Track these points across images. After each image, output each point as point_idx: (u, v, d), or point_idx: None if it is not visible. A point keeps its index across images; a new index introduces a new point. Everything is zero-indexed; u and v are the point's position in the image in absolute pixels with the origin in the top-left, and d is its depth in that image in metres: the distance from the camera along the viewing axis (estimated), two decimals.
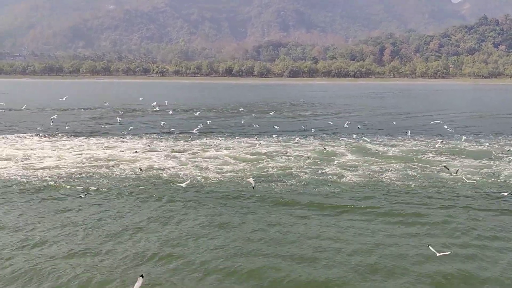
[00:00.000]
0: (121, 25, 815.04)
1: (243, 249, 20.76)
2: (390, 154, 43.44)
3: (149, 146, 46.14)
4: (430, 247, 19.39)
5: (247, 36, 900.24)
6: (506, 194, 28.57)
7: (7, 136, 53.64)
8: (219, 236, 22.37)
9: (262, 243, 21.51)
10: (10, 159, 39.74)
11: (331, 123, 67.37)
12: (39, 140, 50.24)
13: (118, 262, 19.51)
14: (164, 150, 44.26)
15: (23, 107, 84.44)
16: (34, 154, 41.88)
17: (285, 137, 53.13)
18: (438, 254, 18.63)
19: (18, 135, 54.28)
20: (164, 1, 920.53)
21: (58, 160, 38.45)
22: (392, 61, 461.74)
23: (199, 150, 44.66)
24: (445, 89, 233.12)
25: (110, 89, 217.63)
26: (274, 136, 53.48)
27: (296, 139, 49.70)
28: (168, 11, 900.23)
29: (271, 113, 79.42)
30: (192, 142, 49.47)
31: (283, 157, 41.28)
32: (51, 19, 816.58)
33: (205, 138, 52.10)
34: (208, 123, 60.18)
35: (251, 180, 26.40)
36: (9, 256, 20.00)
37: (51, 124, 58.41)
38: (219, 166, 37.41)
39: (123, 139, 51.42)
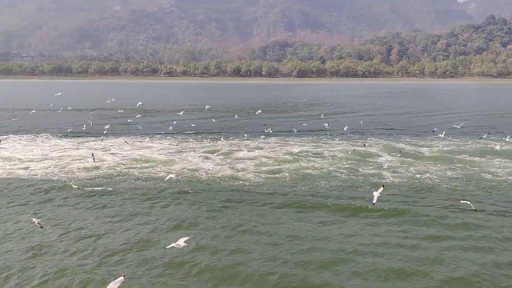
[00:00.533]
0: (128, 26, 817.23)
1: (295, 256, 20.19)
2: (426, 154, 42.95)
3: (177, 145, 45.96)
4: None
5: (252, 36, 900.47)
6: None
7: (39, 135, 54.04)
8: (262, 240, 21.92)
9: (306, 248, 20.84)
10: (48, 159, 39.73)
11: (361, 122, 66.61)
12: (70, 141, 50.09)
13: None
14: (195, 151, 44.02)
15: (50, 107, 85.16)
16: (69, 154, 41.79)
17: (313, 137, 52.74)
18: None
19: (47, 135, 54.41)
20: (170, 2, 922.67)
21: (96, 161, 38.18)
22: (399, 60, 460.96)
23: (232, 150, 44.38)
24: (457, 89, 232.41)
25: (123, 89, 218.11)
26: (301, 136, 52.96)
27: (324, 138, 49.43)
28: (174, 11, 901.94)
29: (292, 113, 79.21)
30: (220, 142, 49.11)
31: (318, 158, 40.93)
32: (58, 20, 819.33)
33: (232, 138, 51.82)
34: (231, 123, 59.87)
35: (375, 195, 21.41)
36: (64, 248, 20.53)
37: (86, 125, 57.47)
38: (257, 167, 37.10)
39: (151, 140, 51.18)
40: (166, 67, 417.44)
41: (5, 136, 52.29)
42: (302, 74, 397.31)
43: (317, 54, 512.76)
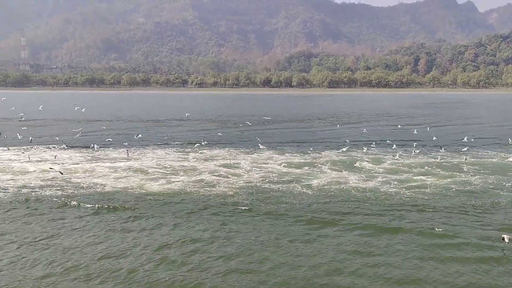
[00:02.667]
0: (152, 38, 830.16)
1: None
2: None
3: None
4: None
5: (273, 47, 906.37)
6: None
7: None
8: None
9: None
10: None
11: (463, 133, 65.57)
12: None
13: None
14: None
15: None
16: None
17: (401, 148, 50.39)
18: None
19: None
20: (193, 14, 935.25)
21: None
22: (426, 71, 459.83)
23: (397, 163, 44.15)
24: (502, 99, 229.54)
25: (168, 100, 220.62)
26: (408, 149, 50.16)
27: (414, 151, 47.71)
28: (197, 23, 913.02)
29: (360, 123, 79.00)
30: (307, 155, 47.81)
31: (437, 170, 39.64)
32: (84, 32, 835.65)
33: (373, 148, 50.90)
34: (331, 132, 59.56)
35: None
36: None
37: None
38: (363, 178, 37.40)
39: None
40: (196, 78, 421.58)
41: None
42: (333, 84, 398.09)
43: (343, 64, 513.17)
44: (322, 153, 48.47)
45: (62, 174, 35.57)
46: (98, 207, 28.14)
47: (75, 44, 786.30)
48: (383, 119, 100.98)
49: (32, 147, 51.97)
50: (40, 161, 43.69)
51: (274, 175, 37.30)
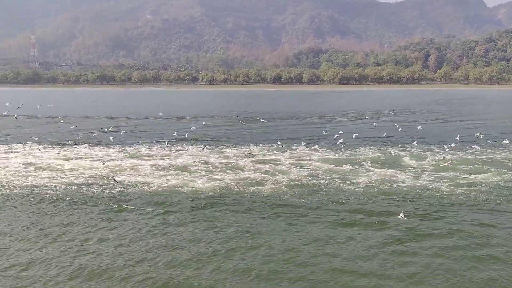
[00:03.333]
0: (160, 35, 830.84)
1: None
2: None
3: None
4: None
5: (281, 43, 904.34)
6: None
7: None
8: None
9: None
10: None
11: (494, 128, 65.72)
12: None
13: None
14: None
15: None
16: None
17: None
18: None
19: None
20: (200, 10, 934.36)
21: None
22: (437, 66, 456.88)
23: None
24: None
25: (185, 96, 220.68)
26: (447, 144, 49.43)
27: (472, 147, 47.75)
28: (205, 20, 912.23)
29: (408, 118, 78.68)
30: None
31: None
32: (92, 29, 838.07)
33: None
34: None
35: None
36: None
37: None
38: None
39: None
40: (206, 75, 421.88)
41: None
42: (343, 80, 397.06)
43: (352, 60, 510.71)
44: (357, 150, 48.36)
45: (115, 180, 35.41)
46: (150, 207, 28.12)
47: (83, 41, 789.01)
48: (409, 114, 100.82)
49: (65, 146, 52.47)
50: (78, 158, 44.15)
51: (319, 172, 37.47)
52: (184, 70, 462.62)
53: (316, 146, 47.91)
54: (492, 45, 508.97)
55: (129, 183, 33.83)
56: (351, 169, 38.47)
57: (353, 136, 52.86)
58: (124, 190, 31.86)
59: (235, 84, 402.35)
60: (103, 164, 36.54)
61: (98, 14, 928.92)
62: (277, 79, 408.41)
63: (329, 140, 55.40)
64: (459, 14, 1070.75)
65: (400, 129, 59.75)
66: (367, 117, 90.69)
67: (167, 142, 52.98)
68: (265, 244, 22.01)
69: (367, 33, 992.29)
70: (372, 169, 38.87)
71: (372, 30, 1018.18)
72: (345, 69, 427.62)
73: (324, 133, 58.80)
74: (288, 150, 48.57)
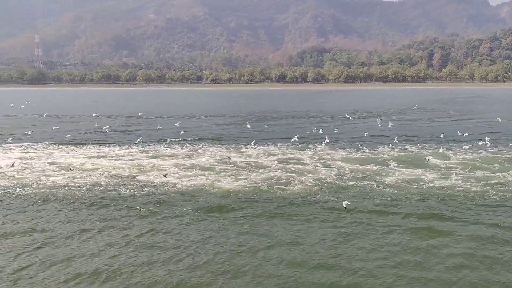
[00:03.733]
0: (163, 34, 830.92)
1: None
2: None
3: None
4: None
5: (284, 42, 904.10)
6: None
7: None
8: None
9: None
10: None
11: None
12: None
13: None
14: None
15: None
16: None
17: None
18: None
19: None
20: (203, 10, 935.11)
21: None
22: (441, 65, 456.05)
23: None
24: None
25: (196, 96, 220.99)
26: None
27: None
28: (208, 19, 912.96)
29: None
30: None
31: None
32: (95, 29, 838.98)
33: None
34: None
35: None
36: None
37: None
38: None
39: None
40: (211, 74, 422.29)
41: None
42: (348, 79, 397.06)
43: (356, 59, 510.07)
44: (377, 149, 48.49)
45: (165, 176, 35.32)
46: (180, 208, 27.89)
47: (87, 41, 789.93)
48: (423, 113, 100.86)
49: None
50: (100, 157, 44.25)
51: (346, 172, 37.50)
52: (188, 70, 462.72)
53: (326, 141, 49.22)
54: (496, 44, 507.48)
55: (156, 183, 33.84)
56: (377, 169, 38.52)
57: (365, 135, 53.54)
58: (152, 191, 31.74)
59: (239, 83, 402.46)
60: (165, 176, 35.81)
61: (100, 13, 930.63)
62: (282, 78, 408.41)
63: (344, 139, 55.90)
64: (462, 12, 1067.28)
65: (416, 128, 60.05)
66: (379, 115, 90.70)
67: (175, 140, 53.24)
68: (310, 249, 21.82)
69: (370, 32, 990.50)
70: (398, 168, 38.86)
71: (375, 29, 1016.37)
72: (349, 68, 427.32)
73: (335, 131, 59.15)
74: (307, 149, 48.59)
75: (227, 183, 33.92)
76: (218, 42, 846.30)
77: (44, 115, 78.88)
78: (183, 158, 43.66)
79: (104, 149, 49.66)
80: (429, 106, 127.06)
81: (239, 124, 75.95)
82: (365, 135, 54.59)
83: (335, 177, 35.54)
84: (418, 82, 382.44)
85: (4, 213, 27.16)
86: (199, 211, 27.42)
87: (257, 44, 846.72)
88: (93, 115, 78.99)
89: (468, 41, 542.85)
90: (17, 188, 32.29)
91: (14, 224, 25.28)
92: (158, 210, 27.61)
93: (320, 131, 56.60)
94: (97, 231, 24.00)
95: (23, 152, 47.57)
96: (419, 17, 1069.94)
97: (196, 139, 57.58)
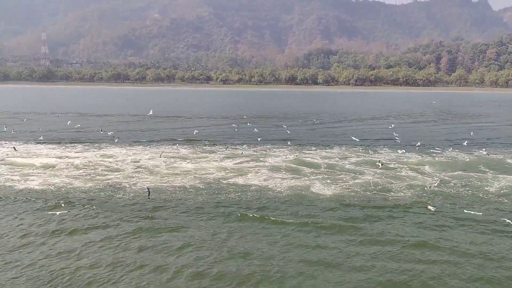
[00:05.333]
0: (168, 34, 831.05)
1: None
2: None
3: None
4: None
5: (288, 43, 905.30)
6: None
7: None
8: None
9: None
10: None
11: None
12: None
13: None
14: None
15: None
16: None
17: None
18: None
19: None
20: (208, 10, 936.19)
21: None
22: (449, 69, 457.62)
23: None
24: None
25: (216, 96, 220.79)
26: None
27: None
28: (212, 19, 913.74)
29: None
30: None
31: None
32: (100, 28, 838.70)
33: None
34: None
35: None
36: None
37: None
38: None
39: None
40: (221, 74, 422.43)
41: None
42: (359, 82, 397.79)
43: (363, 62, 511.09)
44: (430, 152, 48.31)
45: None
46: (284, 214, 27.12)
47: (92, 40, 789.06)
48: (458, 118, 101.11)
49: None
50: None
51: (447, 179, 36.85)
52: (195, 70, 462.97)
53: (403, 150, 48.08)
54: (503, 49, 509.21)
55: (251, 186, 33.55)
56: (478, 175, 38.28)
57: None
58: (249, 195, 31.21)
59: (249, 84, 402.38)
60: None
61: (106, 13, 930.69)
62: (292, 80, 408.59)
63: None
64: (465, 16, 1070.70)
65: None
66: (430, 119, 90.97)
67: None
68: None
69: (375, 34, 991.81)
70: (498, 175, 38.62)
71: (379, 31, 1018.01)
72: (358, 70, 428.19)
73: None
74: (375, 152, 48.22)
75: (323, 187, 33.37)
76: (222, 43, 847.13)
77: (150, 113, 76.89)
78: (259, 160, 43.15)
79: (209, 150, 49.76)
80: (454, 110, 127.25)
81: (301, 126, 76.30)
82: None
83: (439, 184, 34.44)
84: (428, 86, 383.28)
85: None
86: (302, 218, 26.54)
87: (261, 45, 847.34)
88: (149, 113, 77.08)
89: (474, 45, 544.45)
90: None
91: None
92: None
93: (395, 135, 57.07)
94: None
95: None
96: (423, 20, 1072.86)
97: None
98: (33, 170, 38.20)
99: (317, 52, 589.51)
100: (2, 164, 40.48)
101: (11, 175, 36.06)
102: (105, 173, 37.23)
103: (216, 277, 19.02)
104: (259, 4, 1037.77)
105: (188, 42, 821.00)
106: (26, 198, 29.57)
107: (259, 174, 37.43)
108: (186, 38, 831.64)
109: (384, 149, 50.84)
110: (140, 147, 51.24)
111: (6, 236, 23.39)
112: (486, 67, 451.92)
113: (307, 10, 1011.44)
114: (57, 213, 25.96)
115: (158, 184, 33.75)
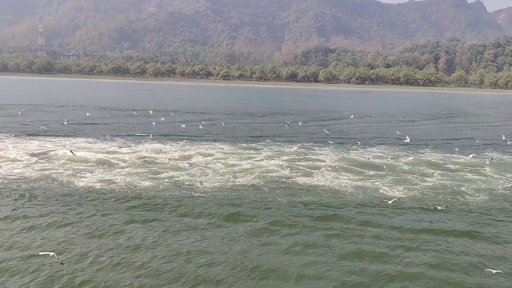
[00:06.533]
0: (164, 28, 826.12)
1: None
2: None
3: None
4: None
5: (284, 40, 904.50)
6: None
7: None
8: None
9: None
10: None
11: None
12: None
13: None
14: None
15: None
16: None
17: None
18: None
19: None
20: (205, 5, 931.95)
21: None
22: (447, 70, 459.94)
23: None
24: None
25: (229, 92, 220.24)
26: None
27: None
28: (209, 14, 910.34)
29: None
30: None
31: None
32: (96, 20, 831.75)
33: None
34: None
35: None
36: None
37: None
38: None
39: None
40: (221, 70, 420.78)
41: None
42: (360, 81, 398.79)
43: (361, 60, 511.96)
44: (454, 154, 49.44)
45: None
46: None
47: (88, 32, 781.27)
48: (476, 119, 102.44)
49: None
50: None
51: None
52: (194, 65, 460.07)
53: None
54: (500, 50, 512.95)
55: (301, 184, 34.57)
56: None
57: None
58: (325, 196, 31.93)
59: (250, 80, 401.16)
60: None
61: (102, 4, 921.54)
62: (293, 77, 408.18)
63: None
64: (460, 17, 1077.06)
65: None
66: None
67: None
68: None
69: (370, 33, 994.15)
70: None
71: (375, 30, 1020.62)
72: (358, 69, 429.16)
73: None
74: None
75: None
76: (219, 38, 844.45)
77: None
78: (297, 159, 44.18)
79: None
80: (468, 110, 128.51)
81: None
82: None
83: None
84: (428, 86, 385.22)
85: None
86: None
87: (257, 42, 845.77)
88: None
89: (471, 46, 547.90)
90: None
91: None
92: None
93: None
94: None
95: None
96: (419, 20, 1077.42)
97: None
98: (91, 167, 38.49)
99: (315, 50, 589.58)
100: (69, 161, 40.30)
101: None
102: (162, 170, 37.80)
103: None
104: (256, 0, 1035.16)
105: (185, 36, 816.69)
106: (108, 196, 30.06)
107: (322, 174, 38.27)
108: (183, 33, 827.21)
109: (438, 151, 51.55)
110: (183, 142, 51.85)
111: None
112: (484, 68, 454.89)
113: (303, 7, 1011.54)
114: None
115: (223, 184, 34.05)
